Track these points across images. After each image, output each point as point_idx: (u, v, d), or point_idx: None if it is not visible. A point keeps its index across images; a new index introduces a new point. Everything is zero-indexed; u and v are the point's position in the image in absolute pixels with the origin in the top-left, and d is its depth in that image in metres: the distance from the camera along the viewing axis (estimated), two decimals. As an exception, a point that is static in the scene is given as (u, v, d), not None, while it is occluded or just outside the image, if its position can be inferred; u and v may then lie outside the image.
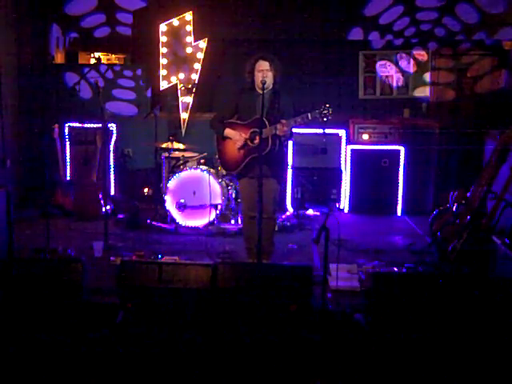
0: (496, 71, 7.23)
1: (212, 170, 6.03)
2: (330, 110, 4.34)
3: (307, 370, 3.29)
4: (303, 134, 6.74)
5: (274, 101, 4.54)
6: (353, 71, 7.47)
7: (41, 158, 5.81)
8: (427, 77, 7.43)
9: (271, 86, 4.56)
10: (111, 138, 7.04)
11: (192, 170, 6.01)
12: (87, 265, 3.97)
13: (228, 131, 4.68)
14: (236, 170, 4.75)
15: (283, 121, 4.40)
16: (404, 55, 7.43)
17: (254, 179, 4.51)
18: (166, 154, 6.32)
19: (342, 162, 7.00)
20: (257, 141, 4.41)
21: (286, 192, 6.88)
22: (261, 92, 4.35)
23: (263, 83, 4.28)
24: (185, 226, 5.99)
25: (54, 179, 6.68)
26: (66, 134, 7.00)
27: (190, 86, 7.04)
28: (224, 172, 6.05)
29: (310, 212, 6.82)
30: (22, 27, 7.20)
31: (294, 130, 4.64)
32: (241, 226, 5.58)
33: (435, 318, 3.54)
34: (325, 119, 4.37)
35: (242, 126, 4.63)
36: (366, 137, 7.01)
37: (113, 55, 8.11)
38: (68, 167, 6.98)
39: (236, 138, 4.64)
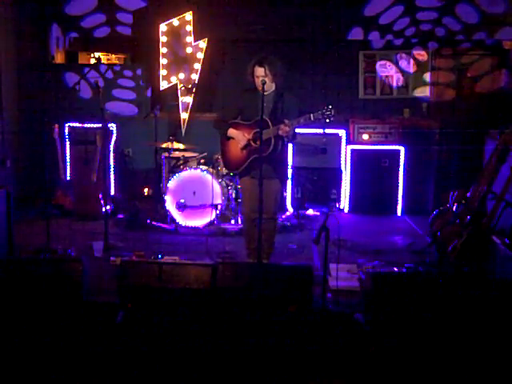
0: (496, 71, 7.23)
1: (212, 170, 6.03)
2: (333, 110, 4.34)
3: (307, 370, 3.29)
4: (303, 134, 6.72)
5: (277, 101, 4.55)
6: (353, 71, 7.47)
7: (41, 157, 5.80)
8: (427, 77, 7.42)
9: (273, 88, 4.57)
10: (111, 137, 7.02)
11: (192, 169, 6.02)
12: (87, 265, 3.97)
13: (231, 131, 4.68)
14: (238, 170, 4.76)
15: (286, 121, 4.39)
16: (404, 55, 7.43)
17: (255, 179, 4.51)
18: (166, 154, 6.32)
19: (342, 162, 6.99)
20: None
21: (286, 192, 6.88)
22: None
23: (263, 83, 4.28)
24: (185, 226, 6.00)
25: (53, 179, 6.67)
26: (66, 134, 6.98)
27: (190, 86, 7.03)
28: (224, 172, 6.08)
29: (310, 212, 6.82)
30: (22, 27, 7.19)
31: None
32: (241, 226, 5.58)
33: (435, 317, 3.54)
34: (327, 120, 4.37)
35: (245, 127, 4.63)
36: (365, 137, 7.01)
37: (113, 55, 8.09)
38: (68, 167, 6.96)
39: (239, 138, 4.64)
